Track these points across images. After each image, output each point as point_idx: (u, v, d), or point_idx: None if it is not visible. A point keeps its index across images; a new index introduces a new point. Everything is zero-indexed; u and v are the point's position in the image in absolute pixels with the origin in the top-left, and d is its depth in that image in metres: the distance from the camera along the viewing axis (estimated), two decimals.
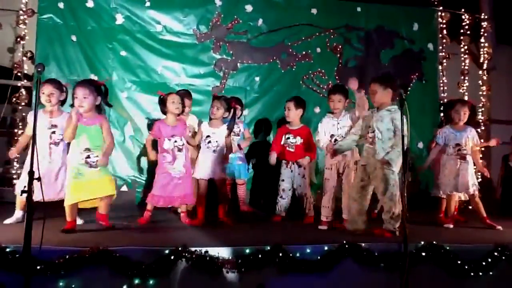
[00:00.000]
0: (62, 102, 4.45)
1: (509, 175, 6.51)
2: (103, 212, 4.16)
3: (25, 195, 2.91)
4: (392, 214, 4.10)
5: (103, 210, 4.15)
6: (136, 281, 3.13)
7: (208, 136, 4.77)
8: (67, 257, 3.04)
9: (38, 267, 2.96)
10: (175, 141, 4.56)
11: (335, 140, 4.69)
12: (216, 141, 4.75)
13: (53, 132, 4.27)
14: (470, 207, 5.44)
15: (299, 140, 5.03)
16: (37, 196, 4.08)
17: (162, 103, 4.65)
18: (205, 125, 4.85)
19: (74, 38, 5.89)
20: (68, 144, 4.13)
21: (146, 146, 4.79)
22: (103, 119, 4.19)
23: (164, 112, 4.69)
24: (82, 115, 4.02)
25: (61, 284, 3.02)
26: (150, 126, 5.50)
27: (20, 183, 4.23)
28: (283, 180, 5.05)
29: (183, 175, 4.56)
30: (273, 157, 5.03)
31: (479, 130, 6.57)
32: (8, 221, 4.23)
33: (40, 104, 4.02)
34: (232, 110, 4.81)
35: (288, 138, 5.07)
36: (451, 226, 4.85)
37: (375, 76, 4.44)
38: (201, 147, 4.81)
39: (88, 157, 3.97)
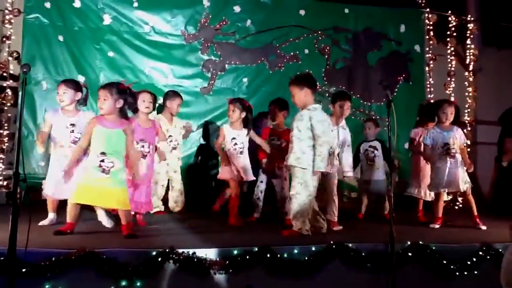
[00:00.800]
0: (82, 102, 4.45)
1: (502, 176, 6.56)
2: (123, 223, 3.86)
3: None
4: (293, 214, 4.13)
5: (123, 221, 3.87)
6: (123, 283, 3.11)
7: (233, 139, 4.80)
8: (53, 259, 3.02)
9: (24, 270, 2.93)
10: (143, 147, 4.41)
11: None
12: (242, 143, 4.81)
13: (72, 131, 4.28)
14: (456, 207, 5.50)
15: (283, 143, 5.01)
16: (54, 194, 4.18)
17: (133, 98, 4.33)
18: (227, 128, 4.86)
19: (61, 38, 5.86)
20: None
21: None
22: (127, 125, 3.94)
23: (134, 110, 4.38)
24: (104, 117, 3.88)
25: (47, 286, 2.99)
26: None
27: (47, 184, 4.25)
28: (261, 182, 5.08)
29: (143, 182, 4.37)
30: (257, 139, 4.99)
31: (465, 130, 6.63)
32: (42, 223, 4.20)
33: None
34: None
35: (273, 139, 5.08)
36: (437, 226, 4.88)
37: (292, 78, 4.45)
38: (229, 150, 4.82)
39: (103, 161, 3.76)
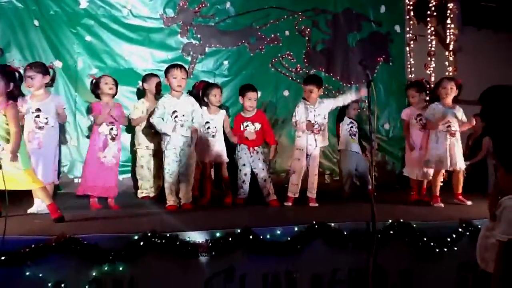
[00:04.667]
0: (50, 84, 4.42)
1: (471, 153, 6.66)
2: (46, 204, 3.77)
3: None
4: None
5: (46, 202, 3.78)
6: (106, 268, 3.09)
7: (207, 122, 4.94)
8: (32, 246, 2.98)
9: (2, 258, 2.89)
10: (111, 129, 4.56)
11: (313, 125, 4.87)
12: (215, 127, 5.02)
13: (37, 116, 4.21)
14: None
15: (258, 126, 5.06)
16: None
17: (95, 85, 4.67)
18: (204, 111, 4.94)
19: (36, 23, 5.73)
20: (61, 125, 4.14)
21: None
22: (8, 105, 3.65)
23: (97, 95, 4.70)
24: None
25: (27, 273, 2.96)
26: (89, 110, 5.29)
27: None
28: (244, 165, 5.08)
29: (113, 165, 4.57)
30: (234, 139, 5.09)
31: None
32: (30, 210, 4.16)
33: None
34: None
35: (247, 125, 5.08)
36: (441, 205, 4.87)
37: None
38: (201, 133, 4.92)
39: None
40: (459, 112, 5.05)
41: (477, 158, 6.40)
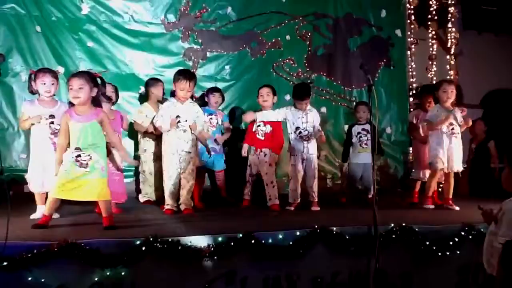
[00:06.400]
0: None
1: (476, 157, 6.67)
2: (104, 215, 3.75)
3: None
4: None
5: (104, 213, 3.76)
6: (107, 273, 3.10)
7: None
8: (34, 251, 2.98)
9: (4, 263, 2.88)
10: None
11: (300, 132, 4.92)
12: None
13: (52, 123, 4.18)
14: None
15: (269, 129, 5.04)
16: (40, 188, 4.10)
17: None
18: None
19: (38, 29, 5.75)
20: None
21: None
22: (102, 115, 3.76)
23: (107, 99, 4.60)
24: (76, 110, 3.71)
25: (29, 279, 2.96)
26: None
27: (32, 180, 4.17)
28: (249, 166, 5.10)
29: (116, 172, 4.53)
30: (244, 148, 5.09)
31: None
32: (34, 215, 4.13)
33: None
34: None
35: (259, 126, 5.08)
36: (433, 206, 4.99)
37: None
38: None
39: (79, 156, 3.62)
40: (458, 114, 5.07)
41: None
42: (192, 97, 4.90)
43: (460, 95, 5.13)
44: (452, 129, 4.97)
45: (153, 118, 4.88)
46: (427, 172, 5.31)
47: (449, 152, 4.95)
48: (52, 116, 4.20)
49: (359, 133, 5.50)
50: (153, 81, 5.50)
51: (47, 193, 4.13)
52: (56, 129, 4.12)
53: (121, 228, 3.68)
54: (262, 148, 5.04)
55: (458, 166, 4.98)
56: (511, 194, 2.46)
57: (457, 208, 4.86)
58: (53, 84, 4.22)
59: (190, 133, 4.60)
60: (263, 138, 5.04)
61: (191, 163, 4.61)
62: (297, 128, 4.94)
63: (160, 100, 5.40)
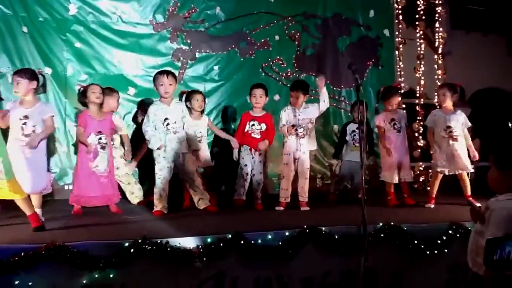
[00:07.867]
0: (41, 90, 4.43)
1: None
2: (27, 214, 3.72)
3: None
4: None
5: (26, 212, 3.72)
6: (96, 276, 3.08)
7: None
8: (22, 254, 2.96)
9: None
10: (100, 138, 4.58)
11: (296, 129, 4.89)
12: (201, 132, 5.16)
13: (24, 123, 4.15)
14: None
15: (263, 127, 5.09)
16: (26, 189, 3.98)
17: (83, 94, 4.72)
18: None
19: (25, 29, 5.68)
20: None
21: (80, 140, 4.59)
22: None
23: (84, 103, 4.75)
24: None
25: (16, 282, 2.93)
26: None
27: None
28: (245, 165, 5.10)
29: (107, 173, 4.59)
30: (234, 142, 5.06)
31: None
32: None
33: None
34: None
35: (253, 125, 5.10)
36: (432, 206, 5.00)
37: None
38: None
39: None
40: (461, 116, 5.08)
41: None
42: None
43: (463, 96, 5.10)
44: (450, 132, 4.99)
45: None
46: (395, 175, 5.18)
47: (450, 155, 4.98)
48: (25, 116, 4.17)
49: (353, 131, 5.56)
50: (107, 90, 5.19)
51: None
52: (28, 130, 4.14)
53: (110, 229, 3.67)
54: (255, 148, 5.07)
55: (464, 167, 4.98)
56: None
57: (479, 204, 4.85)
58: (18, 83, 4.17)
59: (182, 133, 4.64)
60: (259, 137, 5.08)
61: (188, 165, 4.67)
62: (293, 125, 4.90)
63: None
